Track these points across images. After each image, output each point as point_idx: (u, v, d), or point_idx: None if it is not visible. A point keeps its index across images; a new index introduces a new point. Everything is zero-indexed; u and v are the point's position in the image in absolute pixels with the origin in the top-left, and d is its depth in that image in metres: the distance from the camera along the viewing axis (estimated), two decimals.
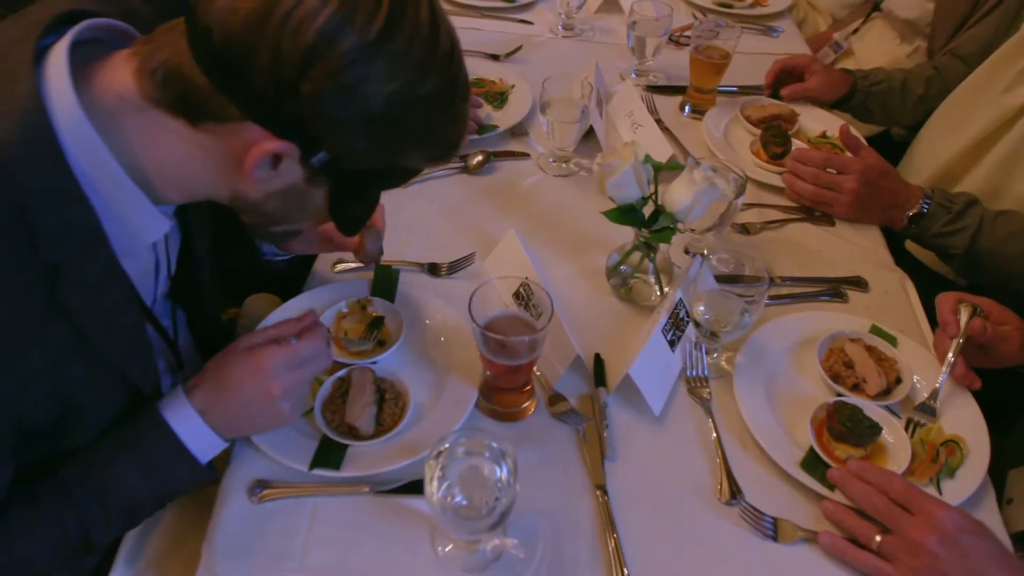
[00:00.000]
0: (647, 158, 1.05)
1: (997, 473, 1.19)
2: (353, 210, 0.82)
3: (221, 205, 0.79)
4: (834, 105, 1.64)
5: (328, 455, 0.92)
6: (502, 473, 0.77)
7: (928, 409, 1.02)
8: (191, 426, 0.80)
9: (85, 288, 0.70)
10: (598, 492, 0.92)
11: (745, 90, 1.67)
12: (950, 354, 1.03)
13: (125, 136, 0.69)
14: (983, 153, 1.42)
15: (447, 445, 0.77)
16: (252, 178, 0.70)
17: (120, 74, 0.69)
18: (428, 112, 0.71)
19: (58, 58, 0.66)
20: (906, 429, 1.00)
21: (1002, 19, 1.58)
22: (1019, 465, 1.16)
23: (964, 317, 1.03)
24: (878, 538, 0.86)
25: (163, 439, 0.79)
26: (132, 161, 0.70)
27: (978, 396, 1.07)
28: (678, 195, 1.03)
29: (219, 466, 0.91)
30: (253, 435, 0.90)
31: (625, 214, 1.07)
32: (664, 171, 1.07)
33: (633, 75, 1.71)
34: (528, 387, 1.00)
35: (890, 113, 1.63)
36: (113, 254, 0.72)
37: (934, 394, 1.03)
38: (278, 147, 0.68)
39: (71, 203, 0.67)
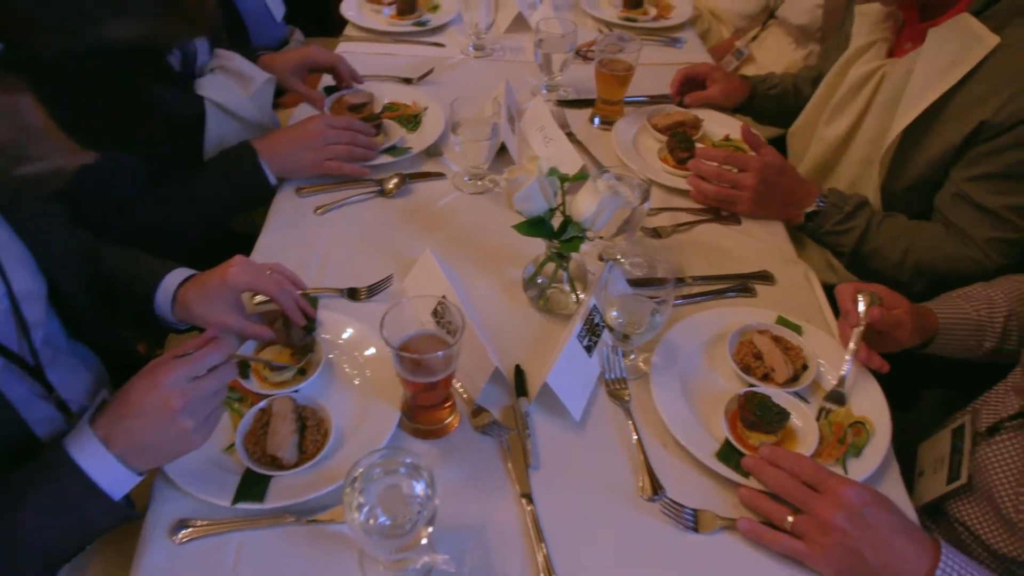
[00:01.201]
0: (552, 171, 1.08)
1: (908, 448, 1.26)
2: (87, 116, 0.76)
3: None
4: (736, 110, 1.72)
5: (251, 488, 0.91)
6: (420, 487, 0.78)
7: (838, 396, 1.07)
8: (97, 459, 0.78)
9: None
10: (524, 501, 0.94)
11: (652, 100, 1.73)
12: (852, 342, 1.09)
13: None
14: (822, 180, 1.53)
15: (361, 470, 0.77)
16: None
17: None
18: None
19: None
20: (820, 417, 1.05)
21: None
22: (927, 438, 1.23)
23: (863, 306, 1.09)
24: (790, 519, 0.90)
25: (70, 475, 0.77)
26: None
27: (886, 377, 1.13)
28: (583, 204, 1.06)
29: (141, 505, 0.89)
30: (163, 463, 0.88)
31: (534, 226, 1.10)
32: (569, 182, 1.10)
33: (544, 91, 1.75)
34: (449, 403, 1.01)
35: (785, 115, 1.71)
36: None
37: (841, 381, 1.08)
38: None
39: None
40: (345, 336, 1.12)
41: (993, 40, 1.22)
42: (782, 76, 1.76)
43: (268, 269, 1.06)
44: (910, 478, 1.21)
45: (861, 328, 1.08)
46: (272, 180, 1.36)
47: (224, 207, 1.36)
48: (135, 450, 0.81)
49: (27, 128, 0.73)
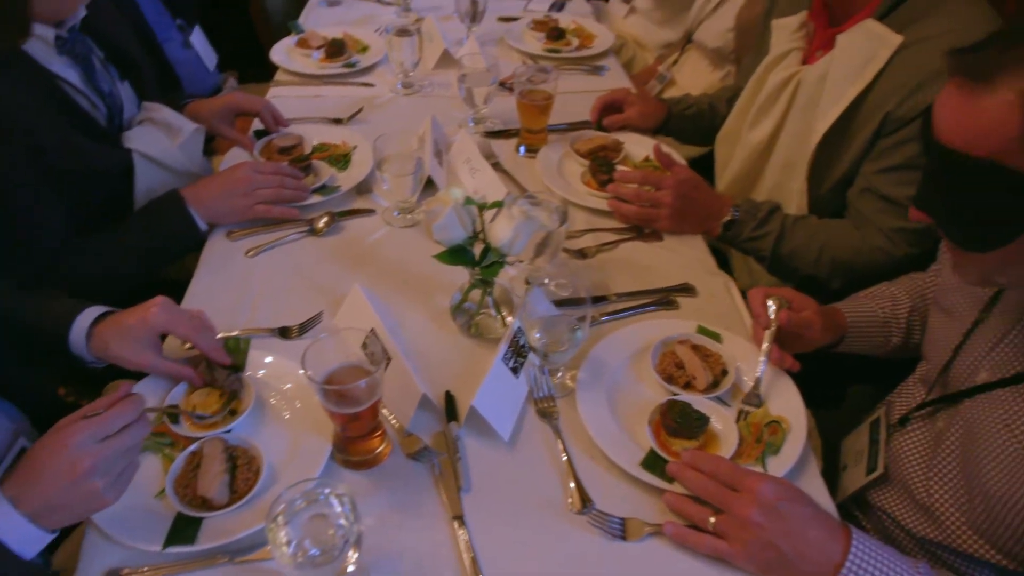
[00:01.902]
0: (468, 200, 1.12)
1: (834, 444, 1.31)
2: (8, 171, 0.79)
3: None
4: (657, 131, 1.78)
5: (182, 531, 0.92)
6: (343, 511, 0.80)
7: (754, 398, 1.12)
8: (5, 519, 0.78)
9: None
10: (456, 523, 0.96)
11: (575, 126, 1.79)
12: (765, 344, 1.14)
13: None
14: (749, 185, 1.60)
15: (283, 505, 0.79)
16: None
17: None
18: None
19: None
20: (738, 418, 1.10)
21: None
22: (848, 434, 1.28)
23: (772, 309, 1.14)
24: (712, 520, 0.93)
25: None
26: None
27: (811, 377, 1.17)
28: (500, 230, 1.10)
29: (68, 561, 0.89)
30: (76, 520, 0.87)
31: (455, 255, 1.13)
32: (487, 209, 1.14)
33: (471, 123, 1.80)
34: (379, 432, 1.03)
35: (703, 134, 1.78)
36: None
37: (757, 383, 1.12)
38: None
39: None
40: (275, 374, 1.13)
41: (896, 40, 1.29)
42: (698, 97, 1.84)
43: (189, 314, 1.07)
44: (836, 472, 1.27)
45: (772, 330, 1.13)
46: (202, 227, 1.38)
47: (154, 256, 1.37)
48: (45, 510, 0.80)
49: None
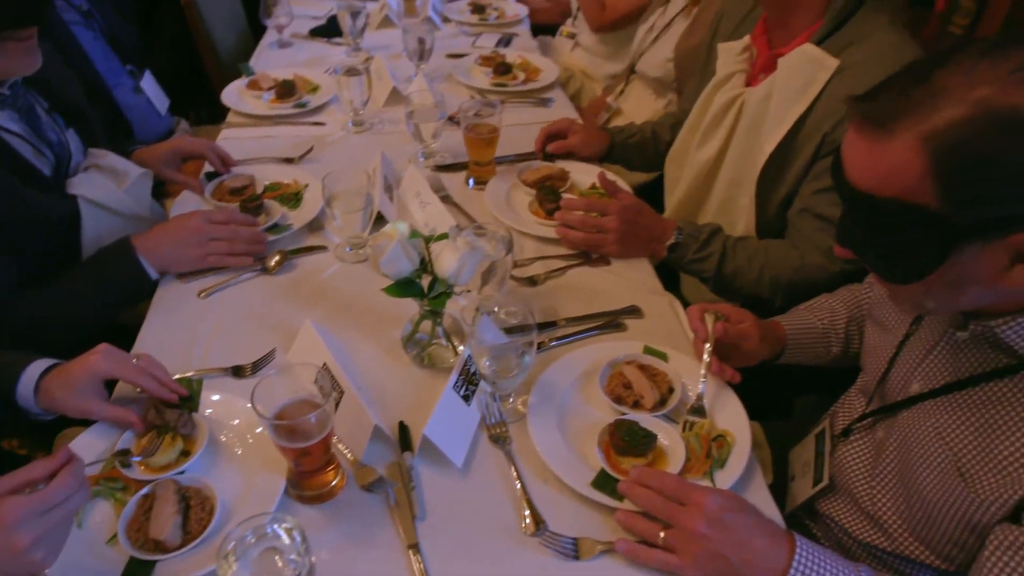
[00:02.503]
0: (413, 233, 1.14)
1: (783, 455, 1.35)
2: None
3: None
4: (604, 159, 1.84)
5: (135, 575, 0.91)
6: (294, 543, 0.81)
7: (698, 410, 1.15)
8: None
9: None
10: (411, 551, 0.97)
11: (522, 157, 1.83)
12: (705, 356, 1.17)
13: None
14: (699, 204, 1.65)
15: (233, 543, 0.79)
16: None
17: None
18: None
19: None
20: (685, 429, 1.13)
21: None
22: (796, 444, 1.32)
23: (710, 323, 1.18)
24: (662, 534, 0.96)
25: None
26: None
27: (758, 390, 1.21)
28: (445, 262, 1.13)
29: None
30: None
31: (403, 287, 1.15)
32: (433, 242, 1.17)
33: (421, 158, 1.84)
34: (333, 465, 1.04)
35: (648, 160, 1.84)
36: None
37: (700, 396, 1.16)
38: None
39: None
40: (225, 411, 1.14)
41: (833, 63, 1.35)
42: (641, 125, 1.90)
43: (134, 357, 1.08)
44: (786, 482, 1.30)
45: (711, 343, 1.17)
46: (152, 275, 1.38)
47: (105, 304, 1.36)
48: None
49: None
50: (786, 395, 1.55)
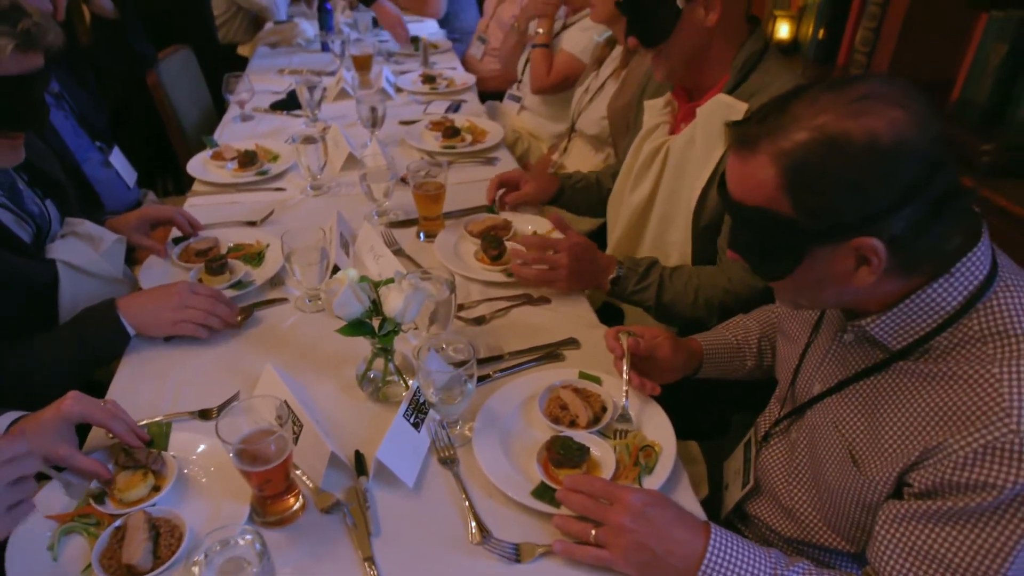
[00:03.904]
0: (362, 278, 1.27)
1: (719, 469, 1.47)
2: None
3: None
4: (551, 202, 2.00)
5: None
6: (253, 546, 0.90)
7: (624, 417, 1.28)
8: None
9: None
10: (367, 564, 1.06)
11: (469, 211, 1.98)
12: (624, 368, 1.30)
13: None
14: (635, 241, 1.81)
15: (199, 556, 0.88)
16: None
17: None
18: None
19: None
20: (616, 436, 1.25)
21: None
22: (728, 459, 1.44)
23: (624, 341, 1.31)
24: (594, 532, 1.06)
25: None
26: None
27: (700, 410, 1.33)
28: (392, 302, 1.25)
29: None
30: None
31: (355, 327, 1.27)
32: (381, 286, 1.29)
33: (375, 216, 1.97)
34: (293, 491, 1.13)
35: (592, 205, 2.00)
36: None
37: (624, 407, 1.29)
38: None
39: None
40: (197, 451, 1.23)
41: (743, 107, 1.52)
42: (586, 173, 2.07)
43: (103, 402, 1.17)
44: (721, 492, 1.42)
45: (627, 357, 1.30)
46: (130, 332, 1.46)
47: (82, 359, 1.43)
48: None
49: None
50: (722, 415, 1.67)
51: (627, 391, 1.29)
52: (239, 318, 1.56)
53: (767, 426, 1.33)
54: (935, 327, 0.96)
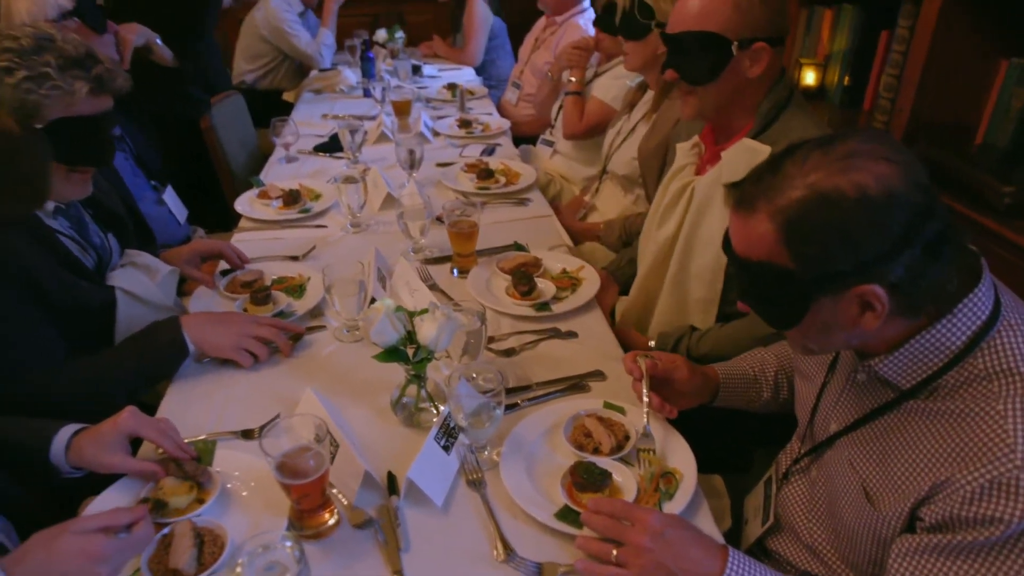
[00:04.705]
0: (399, 308, 1.34)
1: (739, 502, 1.49)
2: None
3: None
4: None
5: None
6: (293, 552, 0.96)
7: (646, 437, 1.32)
8: None
9: None
10: None
11: (501, 249, 2.06)
12: (644, 390, 1.35)
13: None
14: (662, 277, 1.86)
15: (242, 558, 0.95)
16: None
17: None
18: None
19: None
20: (638, 455, 1.30)
21: None
22: (749, 494, 1.47)
23: (642, 363, 1.36)
24: (615, 552, 1.10)
25: None
26: None
27: (723, 445, 1.36)
28: (426, 331, 1.32)
29: None
30: None
31: (391, 354, 1.34)
32: (415, 316, 1.36)
33: (411, 253, 2.06)
34: (329, 507, 1.20)
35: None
36: None
37: (645, 427, 1.33)
38: None
39: None
40: (239, 467, 1.30)
41: (767, 150, 1.57)
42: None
43: (156, 420, 1.26)
44: (742, 527, 1.44)
45: (646, 379, 1.35)
46: (190, 348, 1.56)
47: (140, 371, 1.52)
48: None
49: None
50: (745, 449, 1.70)
51: (647, 412, 1.34)
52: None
53: (787, 463, 1.36)
54: (941, 366, 1.00)
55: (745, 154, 1.63)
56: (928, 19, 1.86)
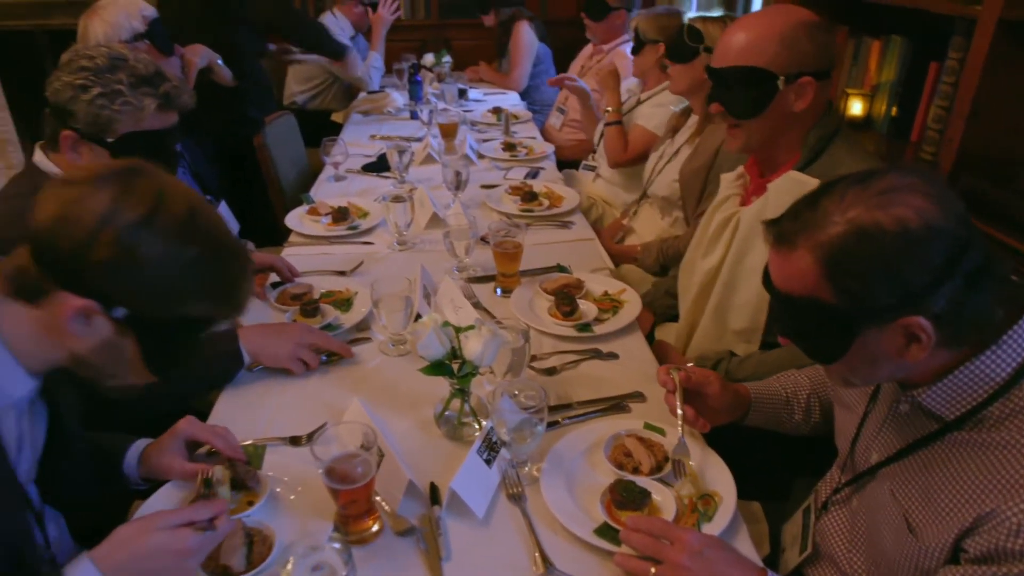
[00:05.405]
0: (445, 323, 1.38)
1: (777, 529, 1.49)
2: (162, 358, 1.07)
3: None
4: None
5: None
6: (341, 555, 0.99)
7: (681, 448, 1.35)
8: None
9: None
10: None
11: (544, 270, 2.09)
12: (677, 402, 1.36)
13: None
14: (702, 305, 1.87)
15: (292, 557, 0.99)
16: (71, 332, 0.96)
17: None
18: (196, 271, 0.99)
19: None
20: (676, 468, 1.33)
21: None
22: (787, 522, 1.47)
23: (675, 375, 1.37)
24: (653, 570, 1.11)
25: None
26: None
27: (763, 471, 1.37)
28: (472, 346, 1.36)
29: None
30: None
31: (436, 368, 1.38)
32: (461, 332, 1.40)
33: (455, 272, 2.10)
34: (373, 514, 1.23)
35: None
36: None
37: (681, 440, 1.35)
38: (83, 304, 0.95)
39: None
40: (287, 472, 1.34)
41: (814, 182, 1.58)
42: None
43: (211, 426, 1.31)
44: (779, 555, 1.44)
45: (680, 391, 1.36)
46: (246, 359, 1.62)
47: (199, 379, 1.60)
48: None
49: (122, 360, 1.04)
50: (785, 477, 1.69)
51: (682, 425, 1.35)
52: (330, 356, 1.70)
53: (827, 493, 1.35)
54: (986, 397, 1.00)
55: (792, 186, 1.63)
56: (979, 51, 1.86)
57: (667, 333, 2.08)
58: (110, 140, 1.51)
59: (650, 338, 2.06)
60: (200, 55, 2.64)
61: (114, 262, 0.93)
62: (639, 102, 3.00)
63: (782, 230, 1.04)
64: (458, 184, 2.48)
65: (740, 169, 1.85)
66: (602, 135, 3.06)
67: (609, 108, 2.98)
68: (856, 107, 2.51)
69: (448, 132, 3.28)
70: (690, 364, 1.61)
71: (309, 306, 1.83)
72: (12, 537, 1.02)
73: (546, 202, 2.57)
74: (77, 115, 1.49)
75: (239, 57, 3.10)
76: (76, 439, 1.20)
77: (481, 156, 3.19)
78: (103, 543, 1.03)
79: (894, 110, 2.42)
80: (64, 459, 1.17)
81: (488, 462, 1.33)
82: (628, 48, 3.53)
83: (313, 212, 2.51)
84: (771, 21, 1.57)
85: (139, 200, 0.95)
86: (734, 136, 1.70)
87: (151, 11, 2.27)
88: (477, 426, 1.46)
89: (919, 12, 2.11)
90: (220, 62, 2.78)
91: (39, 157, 1.58)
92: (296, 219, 2.48)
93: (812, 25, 1.56)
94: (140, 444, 1.32)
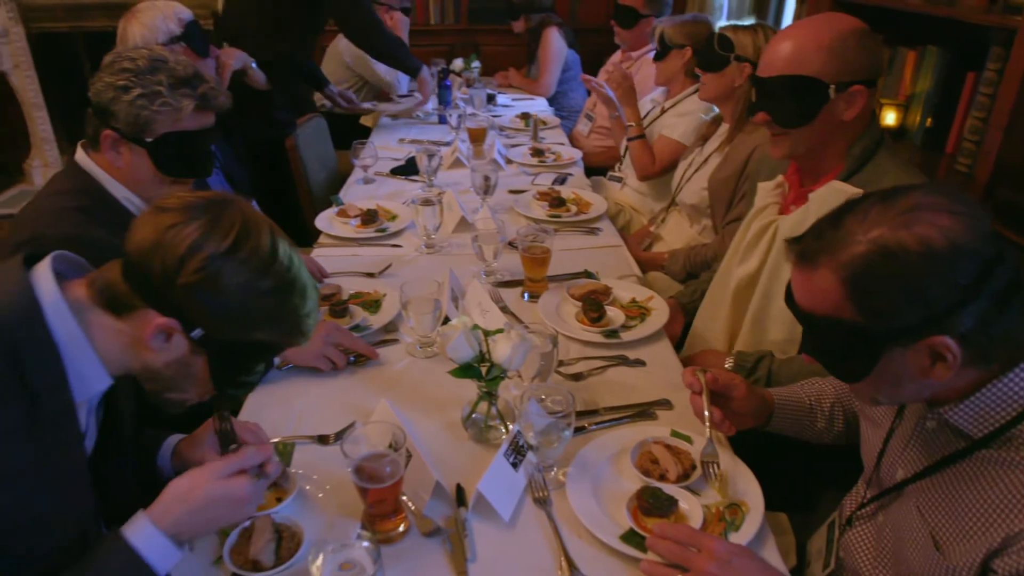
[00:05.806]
0: (475, 326, 1.39)
1: (804, 541, 1.48)
2: (228, 377, 1.13)
3: None
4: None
5: None
6: (370, 552, 1.00)
7: (710, 449, 1.34)
8: (157, 548, 1.01)
9: (51, 415, 0.98)
10: None
11: (571, 276, 2.09)
12: (705, 403, 1.35)
13: (83, 323, 1.01)
14: (740, 314, 1.85)
15: (321, 554, 1.00)
16: (151, 347, 1.02)
17: (80, 286, 1.03)
18: (270, 301, 1.04)
19: (44, 267, 1.02)
20: (706, 469, 1.32)
21: (751, 201, 2.10)
22: (813, 535, 1.45)
23: (701, 377, 1.36)
24: None
25: (130, 566, 0.99)
26: (88, 339, 1.01)
27: (789, 483, 1.36)
28: (501, 350, 1.36)
29: None
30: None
31: (465, 370, 1.39)
32: (490, 335, 1.41)
33: (483, 275, 2.11)
34: (400, 513, 1.24)
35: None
36: (71, 397, 1.00)
37: (708, 440, 1.35)
38: (166, 322, 1.01)
39: (45, 352, 0.97)
40: (316, 470, 1.36)
41: (858, 192, 1.55)
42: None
43: (244, 422, 1.33)
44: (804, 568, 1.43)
45: (706, 393, 1.35)
46: (275, 359, 1.63)
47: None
48: (194, 534, 1.08)
49: (190, 376, 1.09)
50: (813, 490, 1.67)
51: (709, 426, 1.34)
52: (357, 357, 1.72)
53: (852, 508, 1.34)
54: (1016, 415, 0.98)
55: (835, 196, 1.60)
56: (1018, 63, 1.83)
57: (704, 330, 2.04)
58: (149, 140, 1.54)
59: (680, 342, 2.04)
60: (235, 58, 2.68)
61: (198, 286, 0.99)
62: (663, 111, 2.99)
63: (804, 249, 1.03)
64: (486, 189, 2.49)
65: (780, 178, 1.83)
66: (627, 149, 3.05)
67: (631, 123, 2.97)
68: (890, 117, 2.49)
69: (477, 137, 3.29)
70: (729, 365, 1.61)
71: (338, 307, 1.85)
72: (84, 522, 1.07)
73: (574, 208, 2.57)
74: (118, 115, 1.52)
75: (282, 62, 3.16)
76: (129, 441, 1.23)
77: (509, 161, 3.20)
78: (157, 500, 1.06)
79: (928, 121, 2.40)
80: (115, 458, 1.20)
81: (515, 465, 1.33)
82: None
83: (342, 214, 2.53)
84: (818, 29, 1.55)
85: (225, 232, 1.00)
86: (779, 143, 1.67)
87: (187, 14, 2.30)
88: (504, 429, 1.46)
89: (954, 22, 2.09)
90: (254, 65, 2.82)
91: (80, 156, 1.61)
92: (326, 220, 2.51)
93: (861, 32, 1.54)
94: (173, 439, 1.35)
